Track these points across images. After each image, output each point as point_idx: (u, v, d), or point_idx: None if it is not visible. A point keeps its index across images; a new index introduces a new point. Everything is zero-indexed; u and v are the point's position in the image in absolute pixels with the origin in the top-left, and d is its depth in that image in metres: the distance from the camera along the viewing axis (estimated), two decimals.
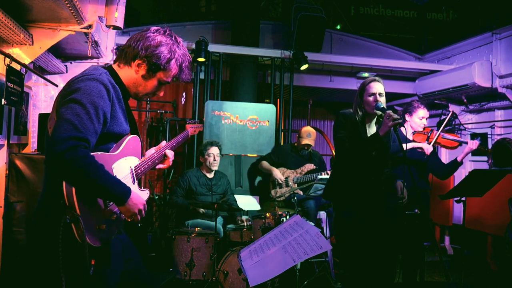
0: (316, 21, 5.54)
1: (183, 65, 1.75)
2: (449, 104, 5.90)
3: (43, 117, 3.61)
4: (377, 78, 2.76)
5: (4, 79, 2.78)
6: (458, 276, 3.56)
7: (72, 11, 2.74)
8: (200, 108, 5.38)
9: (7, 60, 2.78)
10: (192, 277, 3.45)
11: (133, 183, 1.73)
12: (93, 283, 1.56)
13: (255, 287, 1.81)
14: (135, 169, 1.75)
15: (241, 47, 5.30)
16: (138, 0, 7.61)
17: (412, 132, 3.58)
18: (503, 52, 5.00)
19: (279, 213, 3.60)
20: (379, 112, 2.68)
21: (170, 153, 1.99)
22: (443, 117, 5.97)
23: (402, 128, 2.92)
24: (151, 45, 1.66)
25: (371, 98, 2.69)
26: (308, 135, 4.57)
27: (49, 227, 1.50)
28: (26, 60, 3.05)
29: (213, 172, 4.27)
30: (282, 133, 5.90)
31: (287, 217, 3.57)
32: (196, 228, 3.72)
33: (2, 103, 2.77)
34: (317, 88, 6.46)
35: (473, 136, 5.57)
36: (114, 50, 4.30)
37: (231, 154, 5.16)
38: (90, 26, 3.12)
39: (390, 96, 6.69)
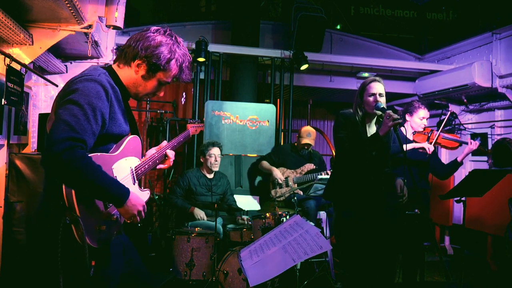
0: (316, 21, 5.54)
1: (183, 65, 1.74)
2: (449, 104, 5.90)
3: (43, 117, 3.61)
4: (377, 78, 2.76)
5: (4, 79, 2.78)
6: (458, 276, 3.56)
7: (72, 11, 2.74)
8: (200, 108, 5.38)
9: (7, 60, 2.78)
10: (192, 277, 3.45)
11: (134, 184, 1.73)
12: (93, 284, 1.56)
13: (255, 287, 1.81)
14: (135, 170, 1.75)
15: (241, 47, 5.30)
16: (138, 0, 7.61)
17: (412, 132, 3.58)
18: (503, 52, 5.00)
19: (279, 213, 3.60)
20: (379, 112, 2.68)
21: (171, 153, 1.98)
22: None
23: (402, 128, 2.92)
24: (151, 45, 1.65)
25: (371, 98, 2.69)
26: (308, 134, 4.57)
27: (49, 227, 1.50)
28: (26, 60, 3.05)
29: (213, 172, 4.27)
30: (282, 133, 5.90)
31: (287, 217, 3.57)
32: (196, 228, 3.72)
33: (2, 103, 2.77)
34: (317, 88, 6.46)
35: (473, 136, 5.57)
36: (114, 50, 4.30)
37: (231, 154, 5.16)
38: (90, 26, 3.12)
39: (390, 96, 6.68)
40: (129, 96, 1.78)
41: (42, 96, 4.05)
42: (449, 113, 4.51)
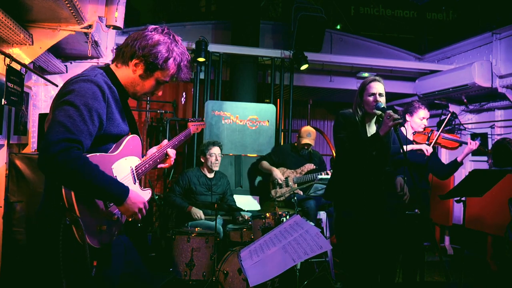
0: (316, 21, 5.54)
1: (182, 64, 1.72)
2: (449, 104, 5.90)
3: (43, 117, 3.61)
4: (377, 78, 2.75)
5: (4, 79, 2.78)
6: (458, 276, 3.56)
7: (72, 11, 2.74)
8: (200, 108, 5.38)
9: (7, 60, 2.78)
10: (192, 277, 3.45)
11: (134, 183, 1.72)
12: (94, 284, 1.56)
13: (255, 287, 1.81)
14: (135, 169, 1.74)
15: (241, 47, 5.30)
16: (138, 0, 7.61)
17: (413, 133, 3.58)
18: (503, 52, 5.00)
19: (279, 213, 3.60)
20: (379, 112, 2.68)
21: (171, 152, 1.97)
22: (443, 117, 5.97)
23: (402, 128, 2.92)
24: (148, 44, 1.64)
25: (371, 98, 2.69)
26: (308, 134, 4.57)
27: (49, 228, 1.49)
28: (26, 60, 3.05)
29: (214, 172, 4.27)
30: (282, 133, 5.90)
31: (287, 217, 3.57)
32: (196, 228, 3.72)
33: (2, 103, 2.77)
34: (317, 88, 6.46)
35: (473, 136, 5.57)
36: (114, 50, 4.29)
37: (231, 154, 5.16)
38: (90, 26, 3.12)
39: (390, 96, 6.68)
40: (128, 96, 1.77)
41: (42, 96, 4.05)
42: (449, 114, 4.51)
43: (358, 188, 2.75)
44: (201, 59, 4.98)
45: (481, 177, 3.14)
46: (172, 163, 1.99)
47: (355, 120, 2.75)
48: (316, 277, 3.89)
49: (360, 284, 2.78)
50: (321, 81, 6.30)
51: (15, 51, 2.98)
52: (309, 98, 6.80)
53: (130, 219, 1.64)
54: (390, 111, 2.56)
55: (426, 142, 3.52)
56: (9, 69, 2.80)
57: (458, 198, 3.13)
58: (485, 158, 5.47)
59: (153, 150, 1.95)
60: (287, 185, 4.54)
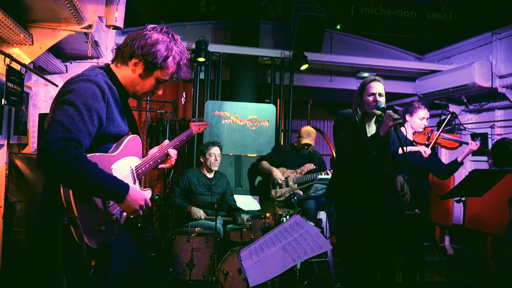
0: (316, 21, 5.54)
1: (181, 63, 1.72)
2: (449, 104, 5.90)
3: (43, 117, 3.61)
4: (377, 77, 2.75)
5: (4, 79, 2.78)
6: (458, 276, 3.56)
7: (72, 11, 2.74)
8: (200, 108, 5.38)
9: (7, 60, 2.78)
10: (192, 277, 3.45)
11: (134, 183, 1.72)
12: (93, 284, 1.56)
13: (255, 287, 1.81)
14: (135, 169, 1.74)
15: (241, 47, 5.30)
16: (138, 0, 7.61)
17: (413, 133, 3.58)
18: (503, 52, 5.00)
19: (279, 213, 3.60)
20: (379, 112, 2.68)
21: (172, 152, 1.97)
22: (443, 117, 5.97)
23: (402, 128, 2.92)
24: (148, 43, 1.64)
25: (370, 98, 2.69)
26: (308, 134, 4.57)
27: (48, 228, 1.49)
28: (26, 60, 3.05)
29: (213, 172, 4.27)
30: (282, 133, 5.90)
31: (287, 217, 3.57)
32: (196, 228, 3.72)
33: (2, 103, 2.77)
34: (317, 88, 6.46)
35: (473, 136, 5.57)
36: (114, 50, 4.29)
37: (231, 154, 5.16)
38: (90, 26, 3.12)
39: (390, 96, 6.68)
40: (128, 96, 1.77)
41: (42, 96, 4.05)
42: (449, 115, 4.51)
43: (358, 188, 2.75)
44: (201, 59, 4.98)
45: (481, 177, 3.14)
46: (173, 163, 1.99)
47: (354, 120, 2.75)
48: (316, 277, 3.89)
49: (360, 284, 2.78)
50: (321, 81, 6.30)
51: (15, 51, 2.98)
52: (309, 98, 6.80)
53: (131, 216, 1.64)
54: (390, 111, 2.56)
55: (426, 142, 3.51)
56: (9, 69, 2.80)
57: (458, 198, 3.13)
58: (485, 158, 5.47)
59: (154, 150, 1.95)
60: (287, 185, 4.54)
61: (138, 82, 1.71)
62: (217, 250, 3.48)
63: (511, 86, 4.92)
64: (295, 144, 4.74)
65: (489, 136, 5.43)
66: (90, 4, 3.11)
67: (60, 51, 3.93)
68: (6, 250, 3.14)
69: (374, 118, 2.82)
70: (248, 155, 5.18)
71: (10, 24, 2.60)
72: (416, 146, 3.53)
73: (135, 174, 1.73)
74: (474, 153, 3.74)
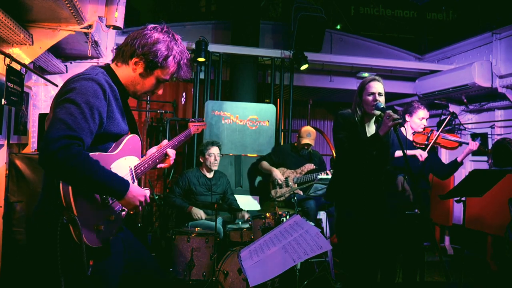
0: (316, 21, 5.54)
1: (181, 62, 1.73)
2: (449, 104, 5.90)
3: (43, 117, 3.62)
4: (376, 77, 2.75)
5: (4, 79, 2.78)
6: (458, 276, 3.55)
7: (72, 11, 2.74)
8: (200, 108, 5.38)
9: (7, 60, 2.78)
10: (192, 277, 3.45)
11: (133, 183, 1.72)
12: (91, 284, 1.56)
13: (255, 287, 1.81)
14: (134, 169, 1.74)
15: (241, 47, 5.30)
16: (138, 0, 7.61)
17: (412, 133, 3.58)
18: (503, 52, 5.00)
19: (279, 213, 3.60)
20: (379, 112, 2.68)
21: (171, 152, 1.97)
22: (443, 117, 5.97)
23: (402, 129, 2.91)
24: (148, 43, 1.65)
25: (370, 98, 2.69)
26: (308, 134, 4.57)
27: (47, 227, 1.49)
28: (26, 60, 3.05)
29: (213, 172, 4.27)
30: (282, 133, 5.90)
31: (287, 217, 3.57)
32: (196, 228, 3.72)
33: (2, 103, 2.77)
34: (317, 88, 6.46)
35: (473, 136, 5.57)
36: (114, 50, 4.29)
37: (231, 154, 5.16)
38: (90, 26, 3.12)
39: (390, 96, 6.69)
40: (128, 95, 1.78)
41: (42, 96, 4.05)
42: (449, 116, 4.51)
43: (358, 188, 2.75)
44: (201, 59, 4.98)
45: (481, 177, 3.14)
46: (171, 163, 1.99)
47: (354, 120, 2.75)
48: (316, 277, 3.89)
49: (360, 284, 2.78)
50: (321, 81, 6.30)
51: (15, 51, 2.99)
52: (309, 98, 6.80)
53: (131, 212, 1.65)
54: (389, 111, 2.56)
55: (426, 142, 3.51)
56: (9, 69, 2.80)
57: (458, 198, 3.13)
58: (485, 158, 5.47)
59: (153, 150, 1.95)
60: (287, 185, 4.54)
61: (139, 82, 1.72)
62: (217, 250, 3.47)
63: (511, 86, 4.92)
64: (295, 144, 4.74)
65: (489, 136, 5.43)
66: (90, 4, 3.12)
67: (60, 51, 3.93)
68: (6, 250, 3.14)
69: (374, 118, 2.82)
70: (248, 155, 5.18)
71: (10, 24, 2.60)
72: (415, 145, 3.53)
73: (134, 173, 1.73)
74: (474, 153, 3.74)
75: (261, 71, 5.94)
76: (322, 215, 4.50)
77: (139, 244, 1.92)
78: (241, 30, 5.45)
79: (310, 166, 4.58)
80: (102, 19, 3.28)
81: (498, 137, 5.24)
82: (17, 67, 2.95)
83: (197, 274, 3.46)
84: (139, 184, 1.80)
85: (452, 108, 5.88)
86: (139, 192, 1.61)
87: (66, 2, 2.58)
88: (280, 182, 4.51)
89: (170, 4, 8.95)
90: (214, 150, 4.19)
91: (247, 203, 4.79)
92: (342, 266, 3.86)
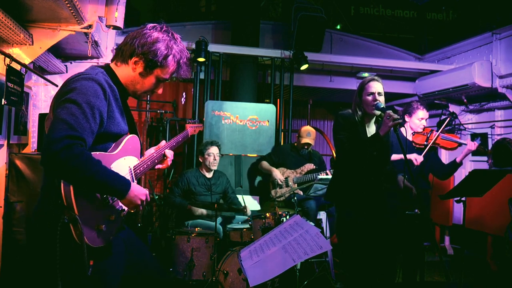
0: (316, 21, 5.54)
1: (181, 61, 1.73)
2: (449, 104, 5.90)
3: (43, 117, 3.62)
4: (376, 77, 2.76)
5: (4, 79, 2.78)
6: (458, 276, 3.56)
7: (72, 11, 2.74)
8: (200, 108, 5.38)
9: (7, 60, 2.78)
10: (192, 277, 3.45)
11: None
12: (92, 284, 1.56)
13: (255, 287, 1.81)
14: (134, 169, 1.74)
15: (241, 47, 5.30)
16: (138, 0, 7.61)
17: (412, 133, 3.57)
18: (503, 52, 5.00)
19: (279, 213, 3.60)
20: (379, 112, 2.68)
21: (169, 153, 1.98)
22: (443, 117, 5.97)
23: (402, 129, 2.92)
24: (148, 42, 1.65)
25: (370, 98, 2.69)
26: (308, 134, 4.57)
27: (47, 227, 1.49)
28: (26, 60, 3.05)
29: (212, 171, 4.27)
30: (282, 133, 5.90)
31: (287, 217, 3.57)
32: (196, 228, 3.72)
33: (2, 103, 2.77)
34: (317, 88, 6.46)
35: (473, 136, 5.57)
36: (114, 50, 4.30)
37: (231, 154, 5.16)
38: (90, 26, 3.12)
39: (390, 96, 6.69)
40: (128, 95, 1.78)
41: (42, 96, 4.05)
42: (448, 118, 4.50)
43: (358, 188, 2.75)
44: (201, 59, 4.98)
45: (481, 177, 3.14)
46: (169, 164, 1.99)
47: (354, 121, 2.75)
48: (316, 277, 3.89)
49: (360, 284, 2.78)
50: (321, 81, 6.30)
51: (15, 51, 2.99)
52: (309, 98, 6.80)
53: (132, 211, 1.66)
54: (389, 111, 2.56)
55: (425, 143, 3.51)
56: (9, 69, 2.80)
57: (458, 198, 3.13)
58: (485, 158, 5.47)
59: (151, 150, 1.95)
60: (287, 185, 4.54)
61: (138, 81, 1.72)
62: (217, 250, 3.47)
63: (511, 86, 4.92)
64: (295, 144, 4.74)
65: (489, 136, 5.43)
66: (90, 4, 3.12)
67: (60, 51, 3.93)
68: (6, 250, 3.14)
69: (374, 119, 2.82)
70: (248, 155, 5.18)
71: (10, 24, 2.60)
72: (415, 146, 3.52)
73: (133, 173, 1.73)
74: (474, 153, 3.74)
75: (261, 71, 5.94)
76: (322, 215, 4.50)
77: (140, 244, 1.92)
78: (241, 30, 5.45)
79: (310, 166, 4.58)
80: (102, 19, 3.28)
81: (498, 137, 5.24)
82: (17, 67, 2.95)
83: (197, 274, 3.47)
84: (139, 184, 1.80)
85: (452, 108, 5.88)
86: (140, 191, 1.62)
87: (66, 2, 2.58)
88: (280, 182, 4.51)
89: (170, 4, 8.95)
90: (213, 150, 4.19)
91: (247, 203, 4.78)
92: (342, 266, 3.86)
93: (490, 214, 4.71)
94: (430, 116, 3.79)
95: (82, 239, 1.44)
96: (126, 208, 1.66)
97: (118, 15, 3.21)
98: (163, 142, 2.01)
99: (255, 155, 5.13)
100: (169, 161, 1.98)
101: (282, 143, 5.75)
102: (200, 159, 4.27)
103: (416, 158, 3.33)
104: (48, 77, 3.77)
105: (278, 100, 5.91)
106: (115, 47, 4.34)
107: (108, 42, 4.27)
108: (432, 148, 3.53)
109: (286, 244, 1.96)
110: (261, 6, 6.19)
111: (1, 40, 2.86)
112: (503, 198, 4.33)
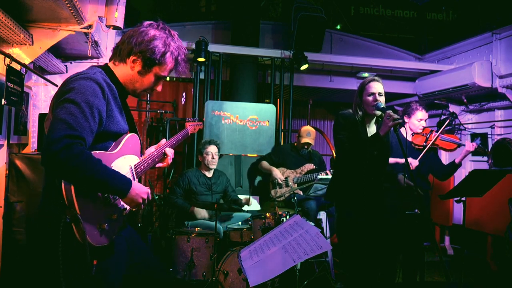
0: (316, 21, 5.54)
1: (179, 58, 1.73)
2: (449, 104, 5.90)
3: (43, 117, 3.62)
4: (376, 77, 2.76)
5: (4, 79, 2.78)
6: (458, 276, 3.56)
7: (72, 11, 2.74)
8: (200, 108, 5.38)
9: (7, 60, 2.78)
10: (192, 277, 3.45)
11: None
12: (94, 283, 1.56)
13: (255, 287, 1.81)
14: (135, 168, 1.74)
15: (241, 47, 5.30)
16: (138, 0, 7.61)
17: (411, 134, 3.57)
18: (503, 52, 5.00)
19: (279, 213, 3.60)
20: (379, 112, 2.69)
21: (169, 151, 1.98)
22: (443, 117, 5.97)
23: (402, 130, 2.92)
24: (145, 40, 1.65)
25: (370, 98, 2.70)
26: (308, 134, 4.57)
27: (49, 227, 1.50)
28: (26, 60, 3.05)
29: (212, 171, 4.27)
30: (282, 133, 5.90)
31: (287, 217, 3.57)
32: (196, 228, 3.72)
33: (2, 103, 2.77)
34: (317, 88, 6.47)
35: (473, 136, 5.57)
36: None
37: (231, 154, 5.16)
38: (90, 26, 3.12)
39: (390, 96, 6.68)
40: (127, 94, 1.78)
41: (42, 96, 4.05)
42: (448, 119, 4.49)
43: (358, 188, 2.75)
44: (201, 59, 4.98)
45: (481, 177, 3.14)
46: (169, 163, 1.99)
47: (355, 120, 2.75)
48: (316, 277, 3.89)
49: (360, 284, 2.78)
50: (321, 81, 6.30)
51: (15, 51, 2.99)
52: (309, 98, 6.80)
53: (134, 209, 1.65)
54: (390, 111, 2.57)
55: (424, 144, 3.50)
56: (9, 69, 2.80)
57: (458, 198, 3.13)
58: (485, 158, 5.47)
59: (152, 149, 1.95)
60: (287, 185, 4.54)
61: (137, 79, 1.72)
62: (217, 250, 3.47)
63: (511, 86, 4.91)
64: (295, 144, 4.74)
65: (489, 136, 5.43)
66: (90, 4, 3.12)
67: (60, 51, 3.93)
68: (6, 250, 3.14)
69: (374, 119, 2.82)
70: (248, 155, 5.18)
71: (10, 24, 2.60)
72: (414, 147, 3.52)
73: (134, 172, 1.73)
74: (474, 153, 3.73)
75: (261, 71, 5.94)
76: (322, 215, 4.50)
77: (142, 243, 1.92)
78: (241, 30, 5.45)
79: (310, 166, 4.58)
80: (102, 19, 3.28)
81: (498, 137, 5.24)
82: (17, 67, 2.95)
83: (197, 274, 3.47)
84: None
85: (452, 108, 5.87)
86: (141, 190, 1.62)
87: (66, 2, 2.58)
88: (280, 181, 4.51)
89: (170, 4, 8.95)
90: (212, 148, 4.20)
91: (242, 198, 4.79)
92: (342, 266, 3.86)
93: (490, 214, 4.71)
94: (430, 116, 3.79)
95: (85, 239, 1.44)
96: (128, 207, 1.66)
97: (118, 15, 3.21)
98: (163, 141, 2.01)
99: (255, 155, 5.13)
100: (169, 159, 1.98)
101: (282, 143, 5.75)
102: (199, 158, 4.27)
103: (411, 163, 3.31)
104: (48, 77, 3.77)
105: (278, 100, 5.91)
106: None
107: (108, 42, 4.27)
108: (432, 148, 3.52)
109: (286, 244, 1.96)
110: (261, 6, 6.19)
111: (1, 40, 2.86)
112: (503, 198, 4.33)
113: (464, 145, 3.49)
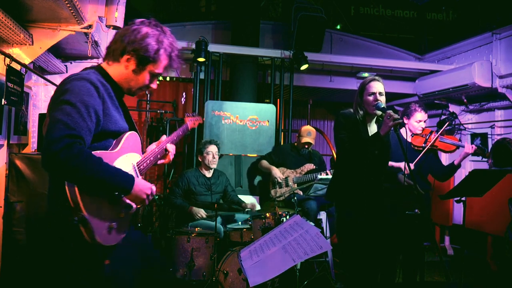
0: (316, 21, 5.54)
1: (173, 54, 1.72)
2: (449, 104, 5.90)
3: (43, 117, 3.61)
4: (376, 77, 2.76)
5: (4, 79, 2.78)
6: (458, 276, 3.56)
7: (72, 11, 2.74)
8: (200, 108, 5.38)
9: (7, 60, 2.78)
10: (192, 277, 3.45)
11: None
12: (105, 283, 1.55)
13: (255, 287, 1.81)
14: (137, 165, 1.74)
15: (241, 47, 5.30)
16: (138, 0, 7.61)
17: (411, 135, 3.56)
18: (503, 52, 5.00)
19: (279, 213, 3.60)
20: (380, 112, 2.69)
21: (171, 147, 1.97)
22: (443, 117, 5.96)
23: (402, 130, 2.92)
24: (137, 38, 1.64)
25: (371, 98, 2.70)
26: (308, 133, 4.57)
27: (58, 229, 1.49)
28: (26, 60, 3.05)
29: (212, 171, 4.27)
30: (282, 133, 5.90)
31: (287, 217, 3.57)
32: (196, 228, 3.72)
33: (2, 103, 2.77)
34: (317, 88, 6.47)
35: (473, 136, 5.57)
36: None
37: (231, 154, 5.16)
38: (90, 26, 3.12)
39: (390, 96, 6.68)
40: (123, 93, 1.77)
41: (42, 96, 4.05)
42: (447, 122, 4.49)
43: (359, 188, 2.75)
44: (201, 59, 4.98)
45: (481, 177, 3.14)
46: (171, 159, 1.99)
47: (355, 120, 2.75)
48: (316, 277, 3.89)
49: (360, 284, 2.78)
50: (321, 81, 6.30)
51: (15, 51, 2.99)
52: (309, 98, 6.80)
53: (139, 206, 1.64)
54: (390, 111, 2.57)
55: (423, 145, 3.49)
56: (9, 69, 2.80)
57: (458, 198, 3.13)
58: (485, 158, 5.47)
59: (153, 146, 1.96)
60: (287, 185, 4.54)
61: (132, 78, 1.72)
62: (217, 250, 3.47)
63: (511, 86, 4.91)
64: (295, 144, 4.74)
65: (489, 136, 5.42)
66: (90, 4, 3.12)
67: (60, 51, 3.93)
68: (6, 250, 3.14)
69: (375, 118, 2.82)
70: (248, 155, 5.18)
71: (10, 24, 2.60)
72: (413, 148, 3.51)
73: (137, 170, 1.73)
74: (474, 154, 3.73)
75: (261, 71, 5.94)
76: (322, 215, 4.50)
77: (145, 240, 1.92)
78: (241, 30, 5.45)
79: (310, 166, 4.58)
80: (102, 19, 3.28)
81: (498, 137, 5.24)
82: (17, 67, 2.95)
83: (197, 274, 3.47)
84: None
85: (452, 108, 5.87)
86: (145, 185, 1.61)
87: (66, 2, 2.58)
88: (279, 180, 4.50)
89: (170, 4, 8.94)
90: (212, 148, 4.20)
91: (247, 202, 4.78)
92: (342, 266, 3.86)
93: (490, 214, 4.71)
94: (430, 116, 3.78)
95: (94, 239, 1.43)
96: (134, 205, 1.64)
97: (118, 15, 3.21)
98: (163, 137, 2.01)
99: (255, 155, 5.13)
100: (171, 156, 1.97)
101: (282, 143, 5.75)
102: (199, 158, 4.28)
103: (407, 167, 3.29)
104: (48, 77, 3.77)
105: (278, 100, 5.91)
106: None
107: (108, 42, 4.26)
108: (431, 149, 3.52)
109: (286, 244, 1.96)
110: (261, 6, 6.19)
111: (1, 40, 2.86)
112: (503, 198, 4.33)
113: (464, 147, 3.48)
